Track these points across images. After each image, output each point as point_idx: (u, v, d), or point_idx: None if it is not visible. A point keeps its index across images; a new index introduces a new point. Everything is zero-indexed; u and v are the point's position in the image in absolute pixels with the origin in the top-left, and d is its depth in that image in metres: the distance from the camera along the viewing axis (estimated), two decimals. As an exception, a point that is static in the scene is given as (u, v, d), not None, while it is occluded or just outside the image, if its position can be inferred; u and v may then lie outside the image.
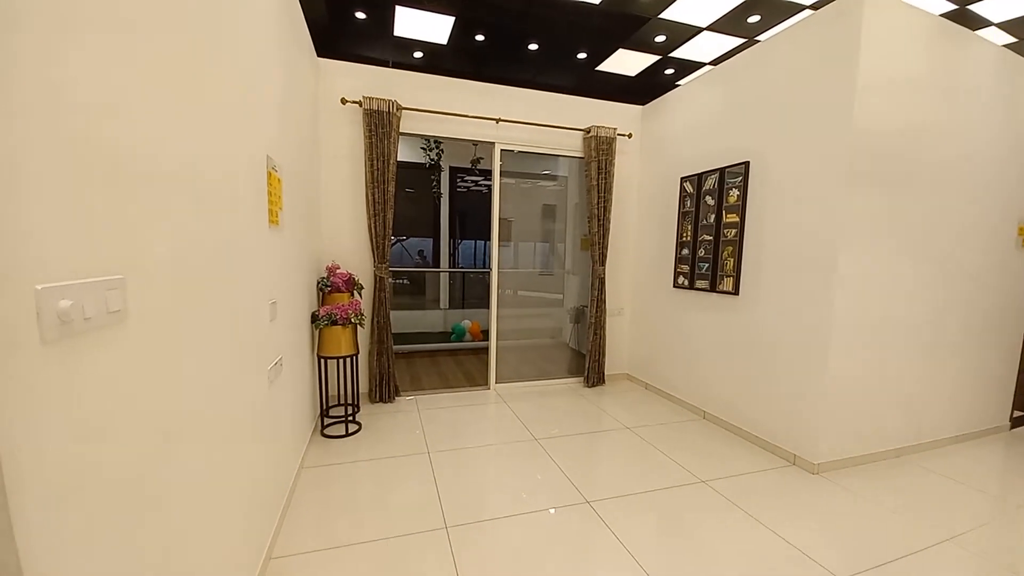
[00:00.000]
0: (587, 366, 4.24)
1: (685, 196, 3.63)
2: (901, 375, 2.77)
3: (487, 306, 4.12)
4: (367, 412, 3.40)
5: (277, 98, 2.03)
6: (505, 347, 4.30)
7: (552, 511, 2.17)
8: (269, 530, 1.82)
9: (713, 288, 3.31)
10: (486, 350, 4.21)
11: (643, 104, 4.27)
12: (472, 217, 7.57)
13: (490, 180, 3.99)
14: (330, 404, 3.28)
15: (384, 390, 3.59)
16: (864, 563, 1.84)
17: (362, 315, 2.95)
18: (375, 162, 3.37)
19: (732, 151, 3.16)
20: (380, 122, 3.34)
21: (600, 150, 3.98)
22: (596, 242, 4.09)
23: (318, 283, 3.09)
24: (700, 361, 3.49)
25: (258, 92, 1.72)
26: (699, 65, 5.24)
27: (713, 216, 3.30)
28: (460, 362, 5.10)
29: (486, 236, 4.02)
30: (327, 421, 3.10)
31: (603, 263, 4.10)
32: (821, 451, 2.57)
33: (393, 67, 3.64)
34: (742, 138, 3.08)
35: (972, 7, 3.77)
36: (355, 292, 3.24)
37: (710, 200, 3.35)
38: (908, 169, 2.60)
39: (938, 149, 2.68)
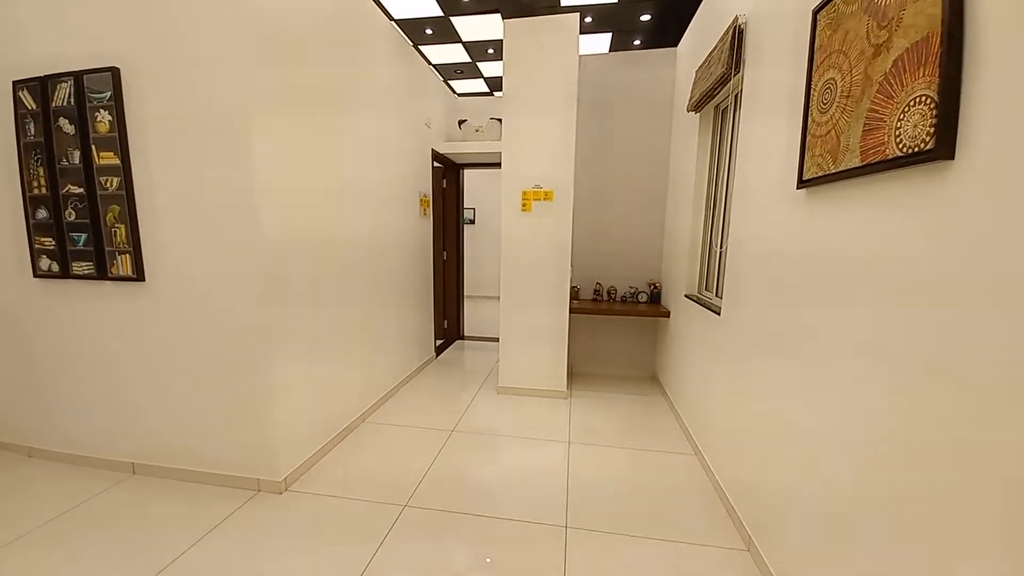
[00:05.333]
0: None
1: (25, 116, 2.05)
2: (338, 345, 2.68)
3: None
4: None
5: None
6: None
7: None
8: None
9: (104, 274, 2.07)
10: None
11: None
12: None
13: None
14: None
15: None
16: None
17: None
18: None
19: (92, 46, 1.93)
20: None
21: None
22: None
23: None
24: (110, 391, 2.20)
25: None
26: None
27: (79, 154, 2.00)
28: None
29: None
30: None
31: None
32: (283, 463, 2.09)
33: None
34: (103, 22, 1.90)
35: None
36: None
37: (68, 126, 2.00)
38: (336, 140, 2.41)
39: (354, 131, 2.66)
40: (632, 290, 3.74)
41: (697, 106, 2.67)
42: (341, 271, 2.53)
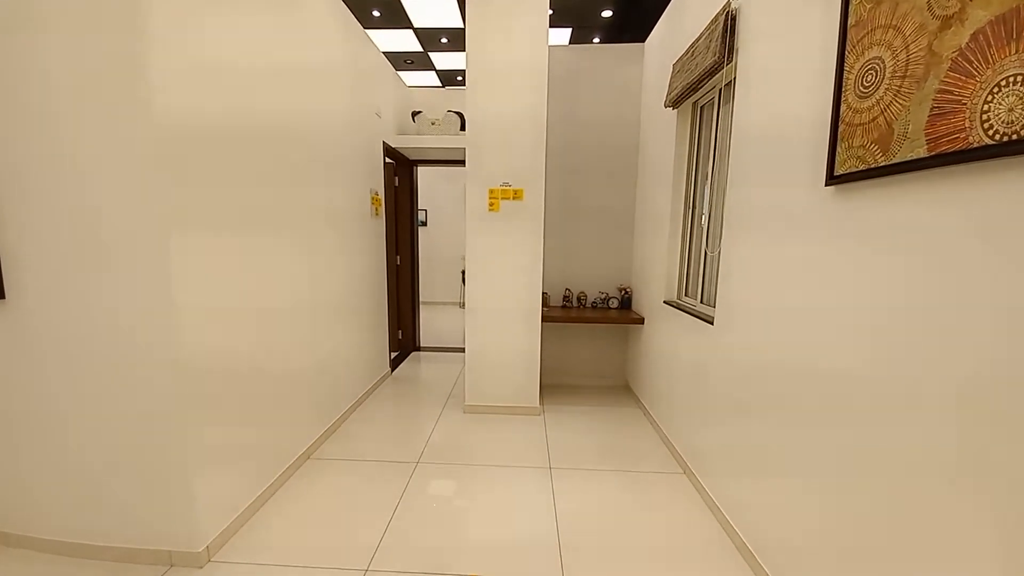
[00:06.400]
0: None
1: None
2: (275, 379, 2.29)
3: None
4: None
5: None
6: None
7: None
8: None
9: (-60, 291, 1.54)
10: None
11: None
12: None
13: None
14: None
15: None
16: None
17: None
18: None
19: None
20: None
21: None
22: None
23: None
24: (-44, 444, 1.65)
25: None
26: None
27: (-100, 128, 1.46)
28: None
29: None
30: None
31: None
32: (204, 527, 1.64)
33: None
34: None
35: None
36: None
37: None
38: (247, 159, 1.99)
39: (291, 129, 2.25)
40: (603, 296, 3.56)
41: (677, 101, 2.52)
42: (284, 307, 2.12)
